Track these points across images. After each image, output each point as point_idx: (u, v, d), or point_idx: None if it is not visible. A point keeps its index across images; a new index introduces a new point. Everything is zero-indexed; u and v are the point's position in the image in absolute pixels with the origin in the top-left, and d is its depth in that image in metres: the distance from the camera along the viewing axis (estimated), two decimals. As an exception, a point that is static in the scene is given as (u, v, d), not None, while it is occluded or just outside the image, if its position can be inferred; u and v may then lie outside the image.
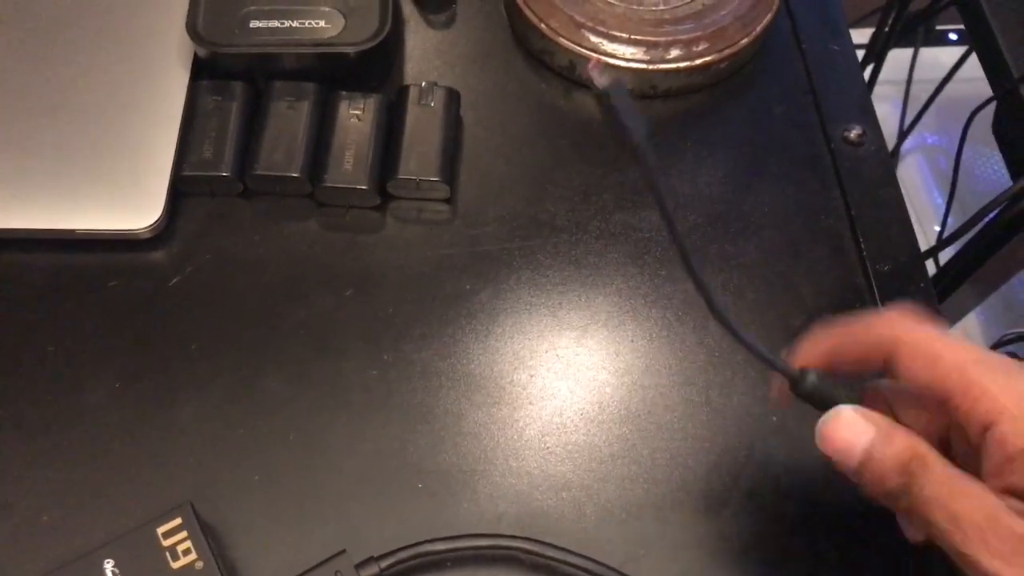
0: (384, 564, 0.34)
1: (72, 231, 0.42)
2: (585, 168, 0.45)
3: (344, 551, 0.34)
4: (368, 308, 0.42)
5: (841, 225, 0.44)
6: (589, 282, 0.41)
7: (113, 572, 0.33)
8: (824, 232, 0.44)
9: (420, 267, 0.43)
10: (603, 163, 0.46)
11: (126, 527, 0.35)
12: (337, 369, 0.40)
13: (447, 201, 0.44)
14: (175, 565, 0.34)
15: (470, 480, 0.38)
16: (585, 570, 0.35)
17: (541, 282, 0.42)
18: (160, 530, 0.34)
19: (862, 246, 0.43)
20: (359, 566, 0.34)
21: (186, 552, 0.34)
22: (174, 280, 0.42)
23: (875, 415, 0.28)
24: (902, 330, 0.28)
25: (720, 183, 0.45)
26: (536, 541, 0.35)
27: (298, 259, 0.43)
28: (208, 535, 0.35)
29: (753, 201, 0.45)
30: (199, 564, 0.34)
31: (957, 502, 0.25)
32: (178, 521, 0.34)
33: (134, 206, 0.43)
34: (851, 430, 0.27)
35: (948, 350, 0.27)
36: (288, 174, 0.43)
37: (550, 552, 0.35)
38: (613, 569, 0.34)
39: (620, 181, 0.45)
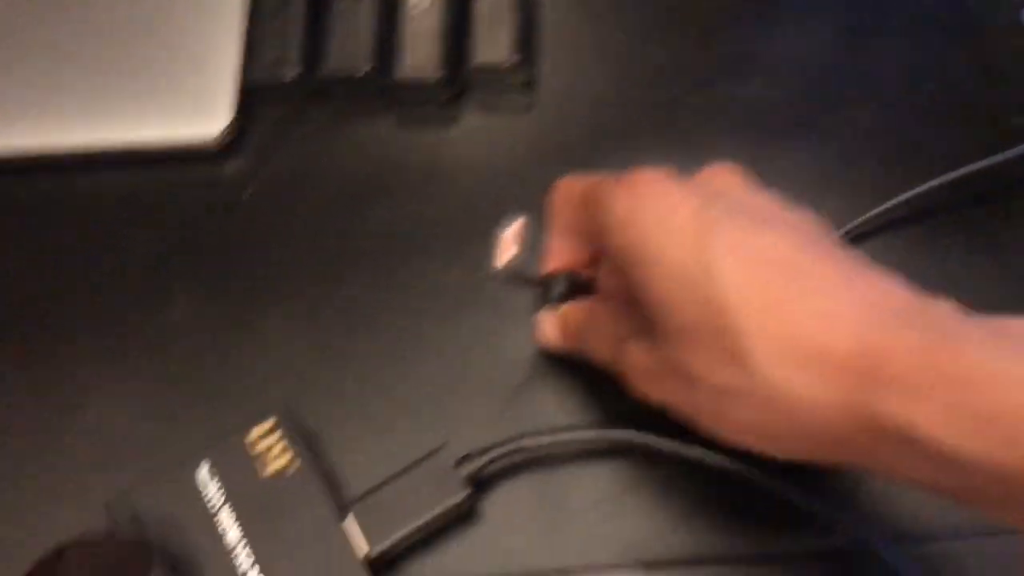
0: (486, 458, 0.32)
1: (137, 146, 0.41)
2: (676, 38, 0.42)
3: (444, 445, 0.32)
4: (451, 206, 0.39)
5: (972, 83, 0.40)
6: (688, 161, 0.38)
7: (209, 474, 0.32)
8: (954, 91, 0.40)
9: (504, 160, 0.40)
10: (697, 31, 0.42)
11: (219, 434, 0.34)
12: (422, 270, 0.38)
13: (528, 86, 0.41)
14: (270, 468, 0.32)
15: (569, 374, 0.35)
16: (702, 463, 0.32)
17: (638, 164, 0.39)
18: (254, 433, 0.33)
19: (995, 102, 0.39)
20: (460, 461, 0.32)
21: (281, 454, 0.32)
22: (248, 191, 0.41)
23: (562, 307, 0.33)
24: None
25: (833, 42, 0.41)
26: (646, 433, 0.32)
27: (375, 160, 0.41)
28: (304, 437, 0.33)
29: (871, 61, 0.41)
30: (294, 467, 0.32)
31: (598, 343, 0.31)
32: (271, 424, 0.33)
33: (201, 117, 0.41)
34: (547, 326, 0.34)
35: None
36: (356, 71, 0.41)
37: (663, 444, 0.32)
38: (736, 459, 0.31)
39: (722, 50, 0.41)
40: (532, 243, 0.32)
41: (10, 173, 0.41)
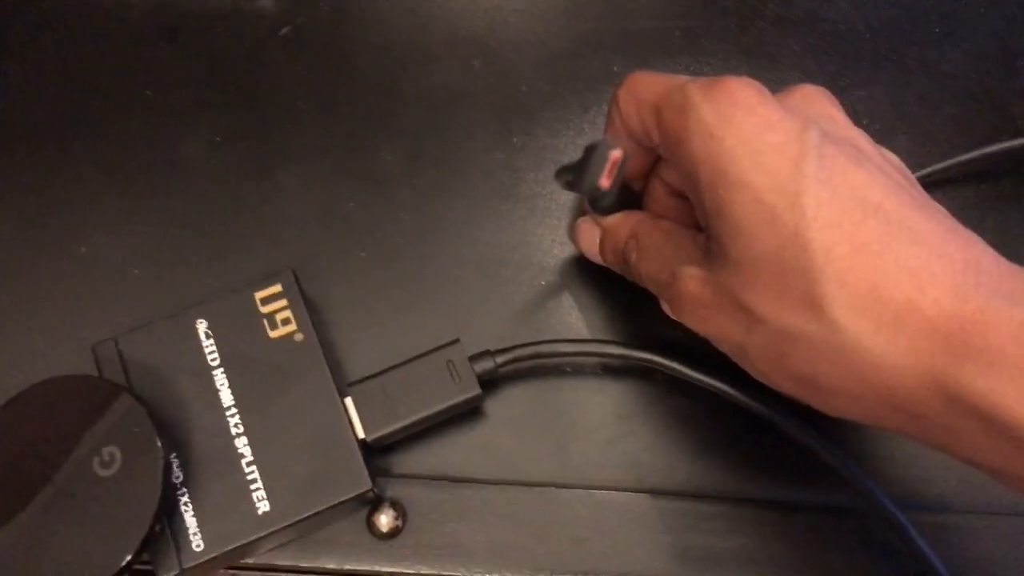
0: (501, 359, 0.31)
1: (175, -37, 0.37)
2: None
3: (458, 340, 0.31)
4: (498, 83, 0.36)
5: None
6: (759, 76, 0.35)
7: (206, 333, 0.30)
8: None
9: (562, 41, 0.37)
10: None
11: (220, 290, 0.32)
12: (459, 148, 0.35)
13: (600, -29, 0.38)
14: (273, 334, 0.30)
15: (599, 284, 0.33)
16: (730, 397, 0.30)
17: (704, 72, 0.36)
18: (259, 295, 0.31)
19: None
20: (473, 358, 0.30)
21: (285, 322, 0.30)
22: (284, 29, 0.37)
23: (607, 218, 0.30)
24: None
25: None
26: (674, 355, 0.31)
27: (423, 19, 0.37)
28: (310, 308, 0.31)
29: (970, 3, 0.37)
30: (299, 336, 0.30)
31: (646, 263, 0.28)
32: (277, 288, 0.31)
33: (244, -57, 0.37)
34: (587, 236, 0.31)
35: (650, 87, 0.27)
36: (419, -81, 0.37)
37: (688, 372, 0.30)
38: (763, 400, 0.30)
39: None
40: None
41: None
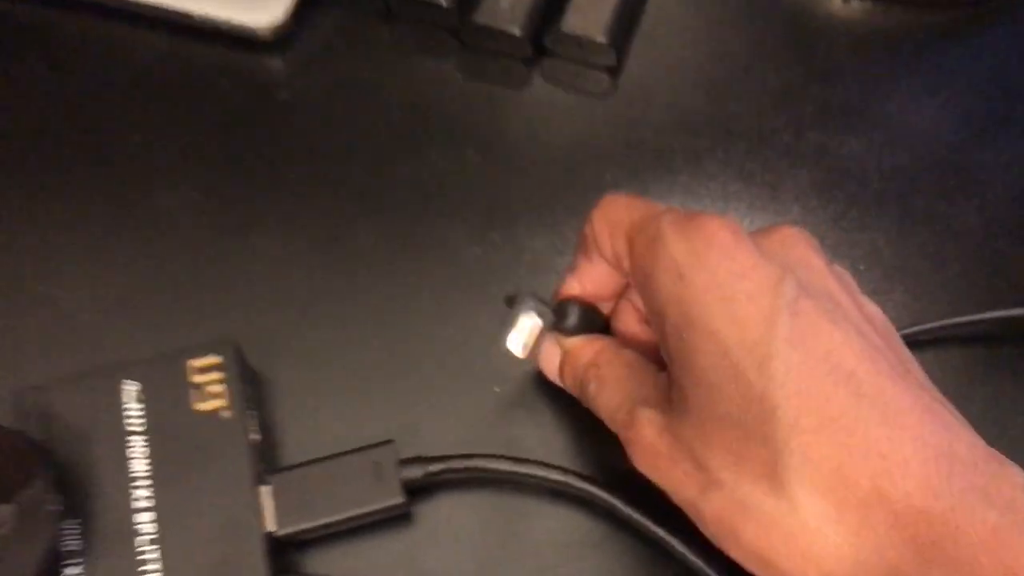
0: (433, 468, 0.29)
1: (189, 15, 0.37)
2: (787, 69, 0.37)
3: (391, 441, 0.29)
4: (489, 176, 0.35)
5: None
6: (758, 205, 0.33)
7: (131, 395, 0.29)
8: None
9: (560, 142, 0.36)
10: (812, 68, 0.37)
11: (164, 352, 0.31)
12: (437, 236, 0.34)
13: (611, 72, 0.37)
14: (199, 406, 0.29)
15: (555, 400, 0.32)
16: (673, 550, 0.28)
17: (700, 192, 0.35)
18: (193, 363, 0.29)
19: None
20: (404, 462, 0.29)
21: (216, 396, 0.29)
22: (284, 95, 0.37)
23: (569, 340, 0.29)
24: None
25: (948, 122, 0.36)
26: (620, 493, 0.29)
27: (426, 102, 0.37)
28: (249, 383, 0.30)
29: (987, 155, 0.35)
30: (226, 413, 0.29)
31: (604, 397, 0.27)
32: (216, 359, 0.30)
33: (261, 3, 0.37)
34: (547, 355, 0.29)
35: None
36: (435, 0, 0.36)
37: (631, 513, 0.28)
38: (709, 564, 0.28)
39: (827, 95, 0.36)
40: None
41: (53, 5, 0.38)
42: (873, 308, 0.24)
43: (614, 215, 0.26)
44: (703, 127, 0.36)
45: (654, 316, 0.24)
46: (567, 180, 0.35)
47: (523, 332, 0.28)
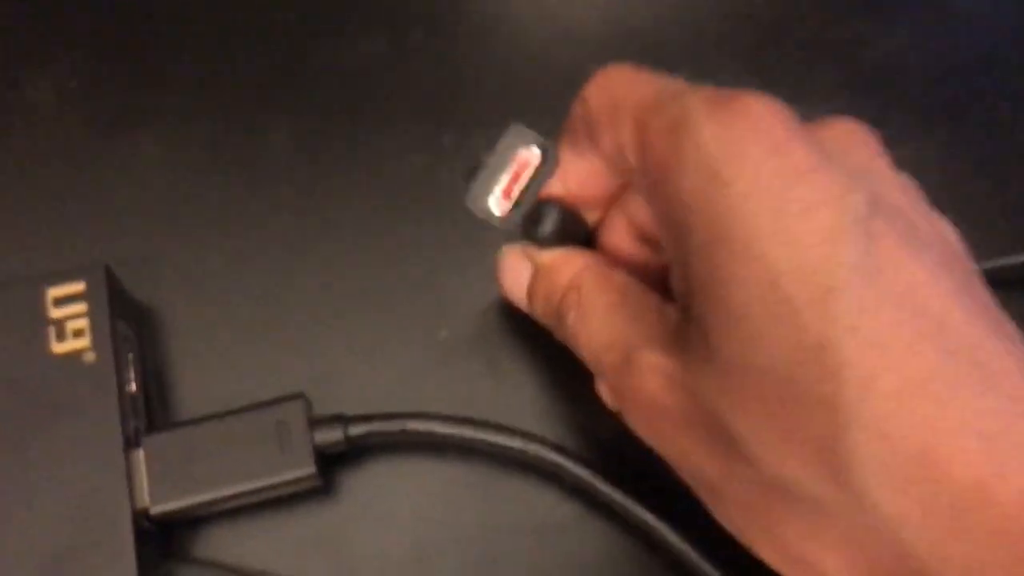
0: (355, 430, 0.23)
1: None
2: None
3: (300, 395, 0.23)
4: (438, 65, 0.28)
5: None
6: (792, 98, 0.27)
7: (-21, 325, 0.23)
8: None
9: (530, 23, 0.29)
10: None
11: (16, 275, 0.24)
12: (370, 139, 0.28)
13: (596, -59, 0.30)
14: (57, 348, 0.22)
15: (518, 345, 0.25)
16: (671, 546, 0.22)
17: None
18: (52, 292, 0.23)
19: None
20: (318, 422, 0.22)
21: (77, 334, 0.23)
22: (188, -40, 0.30)
23: (544, 253, 0.22)
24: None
25: (1013, 7, 0.29)
26: (597, 467, 0.22)
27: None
28: (127, 319, 0.23)
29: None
30: (89, 355, 0.22)
31: (588, 330, 0.20)
32: (79, 287, 0.23)
33: None
34: (512, 270, 0.23)
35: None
36: None
37: (616, 494, 0.22)
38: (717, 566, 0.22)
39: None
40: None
41: None
42: (947, 228, 0.18)
43: (618, 91, 0.20)
44: (709, 11, 0.29)
45: (670, 227, 0.18)
46: (538, 72, 0.28)
47: (504, 173, 0.20)
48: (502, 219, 0.21)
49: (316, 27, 0.29)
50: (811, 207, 0.15)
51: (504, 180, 0.20)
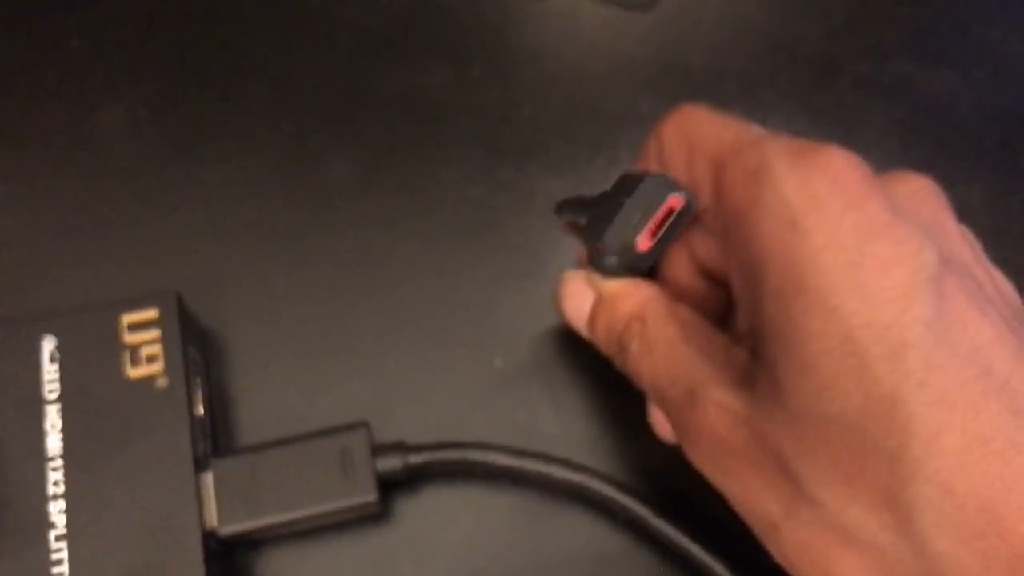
0: (415, 459, 0.23)
1: None
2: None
3: (365, 424, 0.23)
4: (496, 99, 0.29)
5: None
6: (833, 131, 0.27)
7: (52, 355, 0.24)
8: None
9: (586, 61, 0.30)
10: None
11: (91, 301, 0.25)
12: (430, 171, 0.28)
13: (652, -20, 0.31)
14: (132, 372, 0.23)
15: (574, 377, 0.26)
16: (698, 561, 0.22)
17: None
18: (127, 318, 0.24)
19: None
20: (380, 450, 0.23)
21: (151, 359, 0.24)
22: (256, -6, 0.31)
23: (608, 281, 0.22)
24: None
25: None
26: (651, 501, 0.23)
27: (426, 6, 0.30)
28: (194, 345, 0.24)
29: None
30: (162, 381, 0.23)
31: (651, 363, 0.21)
32: (152, 314, 0.24)
33: None
34: (575, 296, 0.23)
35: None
36: None
37: (667, 528, 0.23)
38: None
39: (916, 15, 0.30)
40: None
41: None
42: (1006, 283, 0.18)
43: (696, 131, 0.20)
44: (762, 50, 0.30)
45: (743, 269, 0.18)
46: (593, 109, 0.29)
47: (651, 215, 0.20)
48: (641, 255, 0.21)
49: (380, 58, 0.29)
50: (887, 264, 0.16)
51: (650, 222, 0.20)
